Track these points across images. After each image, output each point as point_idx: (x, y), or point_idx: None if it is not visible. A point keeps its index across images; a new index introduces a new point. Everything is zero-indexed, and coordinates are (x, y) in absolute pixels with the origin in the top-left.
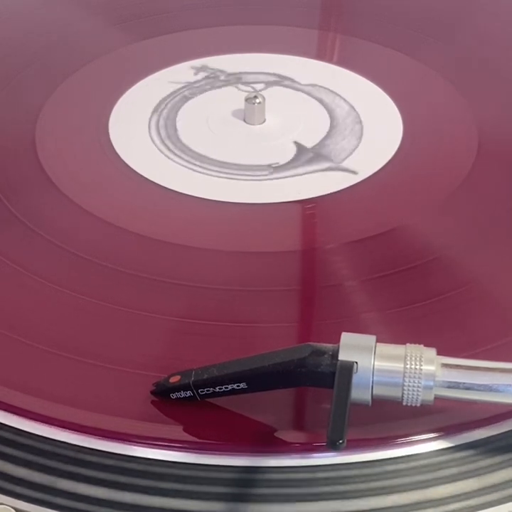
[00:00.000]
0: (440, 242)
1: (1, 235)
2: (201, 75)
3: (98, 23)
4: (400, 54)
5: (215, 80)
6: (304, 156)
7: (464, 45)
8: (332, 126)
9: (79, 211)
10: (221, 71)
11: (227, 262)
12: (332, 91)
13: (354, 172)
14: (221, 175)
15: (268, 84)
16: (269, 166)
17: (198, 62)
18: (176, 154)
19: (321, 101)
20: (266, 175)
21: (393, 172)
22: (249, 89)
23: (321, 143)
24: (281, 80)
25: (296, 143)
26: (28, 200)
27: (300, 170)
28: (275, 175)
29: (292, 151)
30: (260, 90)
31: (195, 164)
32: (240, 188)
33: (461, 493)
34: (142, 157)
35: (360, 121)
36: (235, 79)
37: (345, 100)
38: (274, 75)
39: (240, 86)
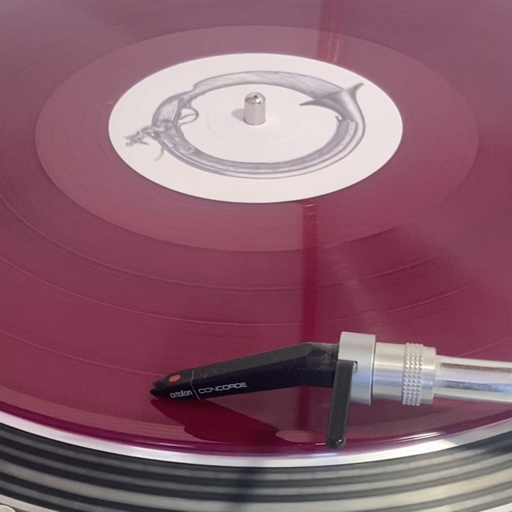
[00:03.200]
0: (440, 242)
1: (1, 235)
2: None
3: (98, 23)
4: (400, 54)
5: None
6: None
7: (464, 45)
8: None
9: (79, 211)
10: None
11: (227, 261)
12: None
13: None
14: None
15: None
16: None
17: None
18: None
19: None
20: (266, 174)
21: (393, 172)
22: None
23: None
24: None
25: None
26: (28, 200)
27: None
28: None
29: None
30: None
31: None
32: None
33: (461, 493)
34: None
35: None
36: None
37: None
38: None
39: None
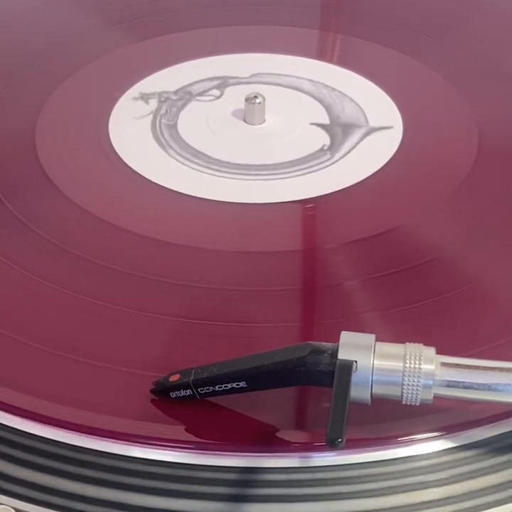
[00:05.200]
0: (440, 242)
1: (1, 235)
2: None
3: (98, 23)
4: (400, 54)
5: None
6: (337, 134)
7: (464, 45)
8: (332, 120)
9: (79, 211)
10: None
11: (227, 261)
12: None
13: (390, 126)
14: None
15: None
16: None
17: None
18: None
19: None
20: (266, 175)
21: (393, 172)
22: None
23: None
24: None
25: (315, 124)
26: (28, 200)
27: (343, 150)
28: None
29: (321, 137)
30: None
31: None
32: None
33: (461, 493)
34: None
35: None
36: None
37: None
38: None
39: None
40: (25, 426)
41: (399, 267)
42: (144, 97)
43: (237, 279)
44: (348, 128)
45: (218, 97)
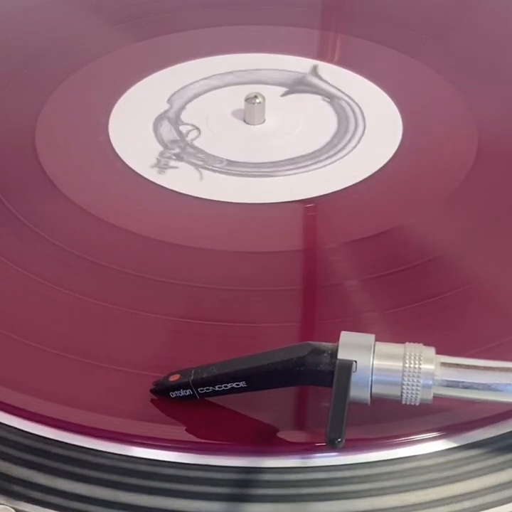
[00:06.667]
0: (440, 242)
1: (1, 235)
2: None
3: (98, 23)
4: (400, 54)
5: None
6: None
7: (464, 45)
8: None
9: (79, 211)
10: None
11: (227, 262)
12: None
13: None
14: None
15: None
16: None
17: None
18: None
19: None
20: (266, 175)
21: (393, 172)
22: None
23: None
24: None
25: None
26: (28, 200)
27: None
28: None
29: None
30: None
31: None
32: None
33: (461, 493)
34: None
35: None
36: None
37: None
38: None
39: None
40: (25, 426)
41: (399, 267)
42: (161, 166)
43: (237, 279)
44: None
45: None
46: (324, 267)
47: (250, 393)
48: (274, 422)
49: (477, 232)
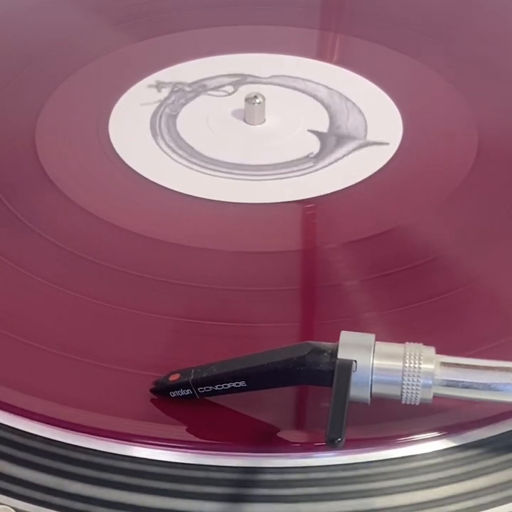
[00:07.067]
0: (440, 242)
1: (0, 234)
2: (165, 91)
3: (98, 23)
4: (400, 54)
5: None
6: (329, 142)
7: (464, 45)
8: (331, 122)
9: (79, 211)
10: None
11: (227, 262)
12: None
13: (385, 143)
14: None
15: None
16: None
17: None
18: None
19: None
20: (266, 175)
21: (393, 172)
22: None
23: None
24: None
25: (312, 132)
26: (28, 200)
27: (332, 157)
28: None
29: (313, 142)
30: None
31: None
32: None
33: (461, 493)
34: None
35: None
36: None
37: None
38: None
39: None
40: (25, 426)
41: (399, 267)
42: (159, 86)
43: (237, 279)
44: (341, 139)
45: (230, 93)
46: (324, 267)
47: (250, 393)
48: (274, 422)
49: (477, 232)
